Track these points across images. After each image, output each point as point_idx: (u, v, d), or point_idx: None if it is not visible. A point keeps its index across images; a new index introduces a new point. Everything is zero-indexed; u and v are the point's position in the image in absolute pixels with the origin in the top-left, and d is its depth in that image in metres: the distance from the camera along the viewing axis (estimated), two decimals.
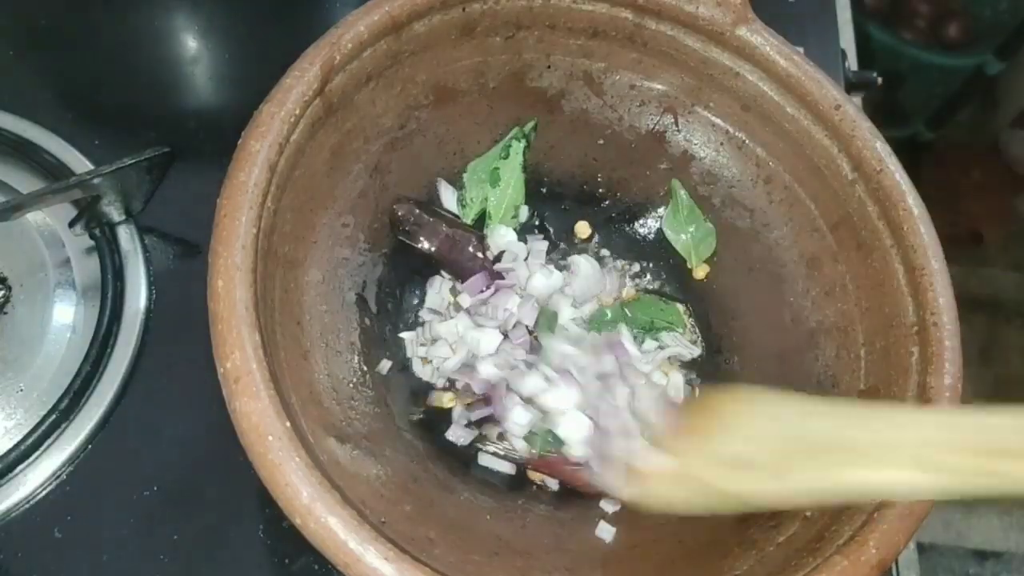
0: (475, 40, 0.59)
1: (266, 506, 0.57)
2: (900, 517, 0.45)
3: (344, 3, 0.79)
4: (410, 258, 0.62)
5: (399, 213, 0.57)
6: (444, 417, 0.59)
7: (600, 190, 0.67)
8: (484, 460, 0.57)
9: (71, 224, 0.63)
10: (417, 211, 0.58)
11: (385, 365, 0.58)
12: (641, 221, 0.67)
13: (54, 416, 0.58)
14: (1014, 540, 1.50)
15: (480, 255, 0.58)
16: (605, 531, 0.54)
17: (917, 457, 0.36)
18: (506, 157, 0.63)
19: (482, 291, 0.60)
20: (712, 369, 0.63)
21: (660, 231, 0.67)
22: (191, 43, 0.78)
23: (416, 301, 0.63)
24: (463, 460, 0.57)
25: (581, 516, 0.55)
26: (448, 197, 0.63)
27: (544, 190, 0.67)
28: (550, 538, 0.53)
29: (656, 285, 0.66)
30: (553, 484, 0.57)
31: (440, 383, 0.59)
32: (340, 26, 0.52)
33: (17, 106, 0.69)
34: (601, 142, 0.65)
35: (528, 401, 0.56)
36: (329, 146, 0.54)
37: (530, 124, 0.63)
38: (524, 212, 0.65)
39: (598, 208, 0.67)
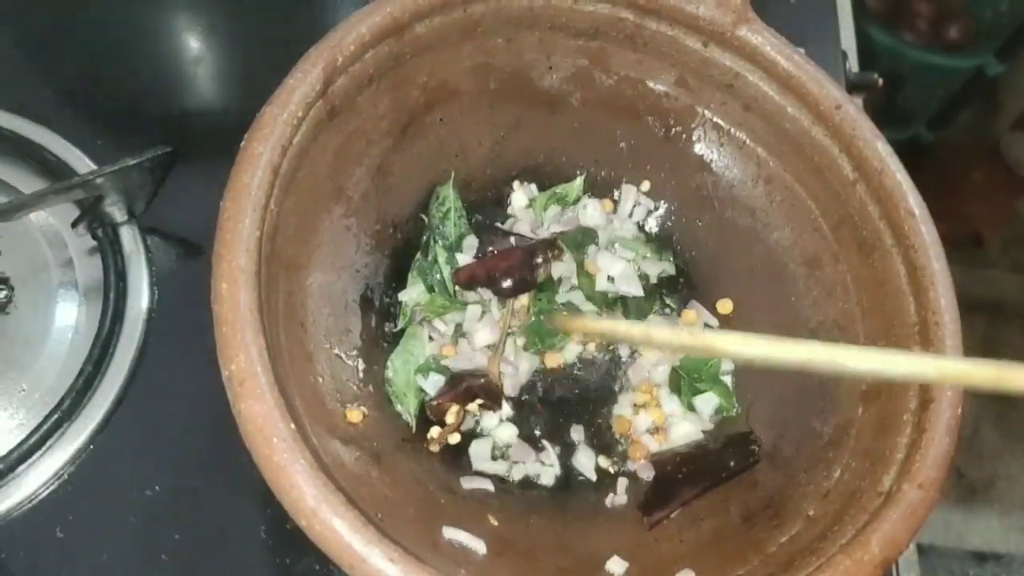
0: (476, 41, 0.59)
1: (268, 506, 0.57)
2: (902, 516, 0.45)
3: (346, 4, 0.79)
4: (412, 260, 0.62)
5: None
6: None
7: (602, 189, 0.67)
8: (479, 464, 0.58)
9: (73, 224, 0.63)
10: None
11: (388, 367, 0.58)
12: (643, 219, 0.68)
13: (56, 416, 0.58)
14: (1014, 542, 1.50)
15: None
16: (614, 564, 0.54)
17: None
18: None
19: None
20: None
21: (661, 227, 0.67)
22: (194, 43, 0.78)
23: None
24: (466, 461, 0.57)
25: (584, 517, 0.55)
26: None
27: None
28: (553, 539, 0.53)
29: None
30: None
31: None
32: (342, 27, 0.52)
33: (19, 106, 0.69)
34: (602, 143, 0.65)
35: None
36: (332, 148, 0.54)
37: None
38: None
39: None
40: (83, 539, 0.56)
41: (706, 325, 0.64)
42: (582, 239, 0.64)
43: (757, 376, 0.61)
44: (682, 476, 0.56)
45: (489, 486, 0.56)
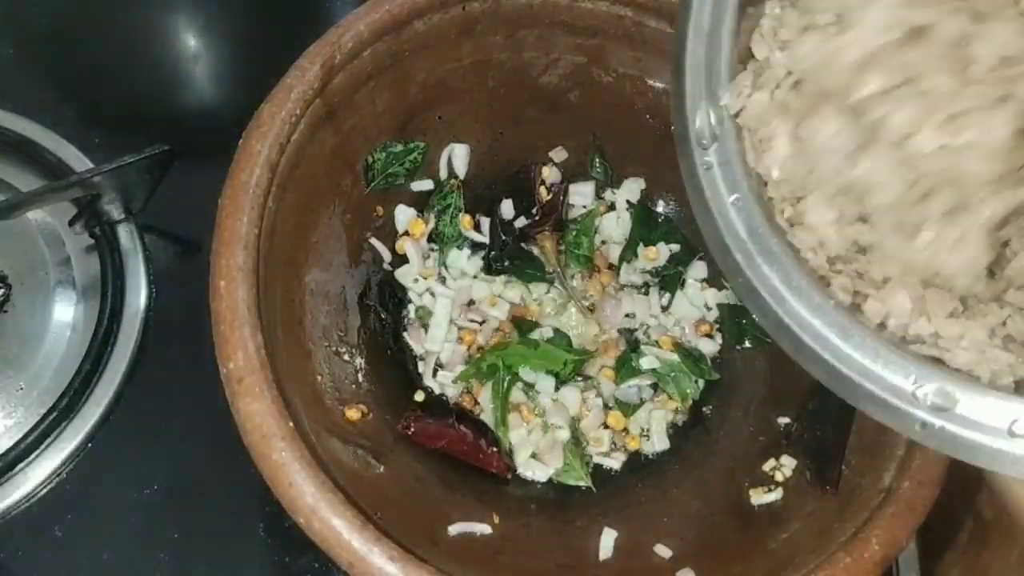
0: (475, 39, 0.59)
1: (267, 504, 0.57)
2: (902, 513, 0.45)
3: (344, 3, 0.79)
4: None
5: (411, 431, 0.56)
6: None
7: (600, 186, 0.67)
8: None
9: (71, 222, 0.63)
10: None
11: (386, 366, 0.58)
12: None
13: (54, 414, 0.58)
14: None
15: (493, 449, 0.57)
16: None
17: None
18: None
19: None
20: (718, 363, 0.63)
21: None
22: (192, 42, 0.78)
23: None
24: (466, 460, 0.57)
25: (584, 516, 0.55)
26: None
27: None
28: (553, 537, 0.53)
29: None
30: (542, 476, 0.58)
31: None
32: (341, 25, 0.52)
33: (17, 105, 0.69)
34: (603, 140, 0.65)
35: None
36: (330, 146, 0.54)
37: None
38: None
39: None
40: (82, 538, 0.56)
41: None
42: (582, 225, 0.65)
43: (752, 373, 0.61)
44: (819, 433, 0.54)
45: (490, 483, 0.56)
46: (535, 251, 0.64)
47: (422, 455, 0.55)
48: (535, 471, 0.57)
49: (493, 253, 0.62)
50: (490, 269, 0.62)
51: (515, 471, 0.57)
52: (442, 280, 0.62)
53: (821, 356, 0.37)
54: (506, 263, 0.62)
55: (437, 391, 0.60)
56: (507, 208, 0.64)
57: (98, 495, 0.58)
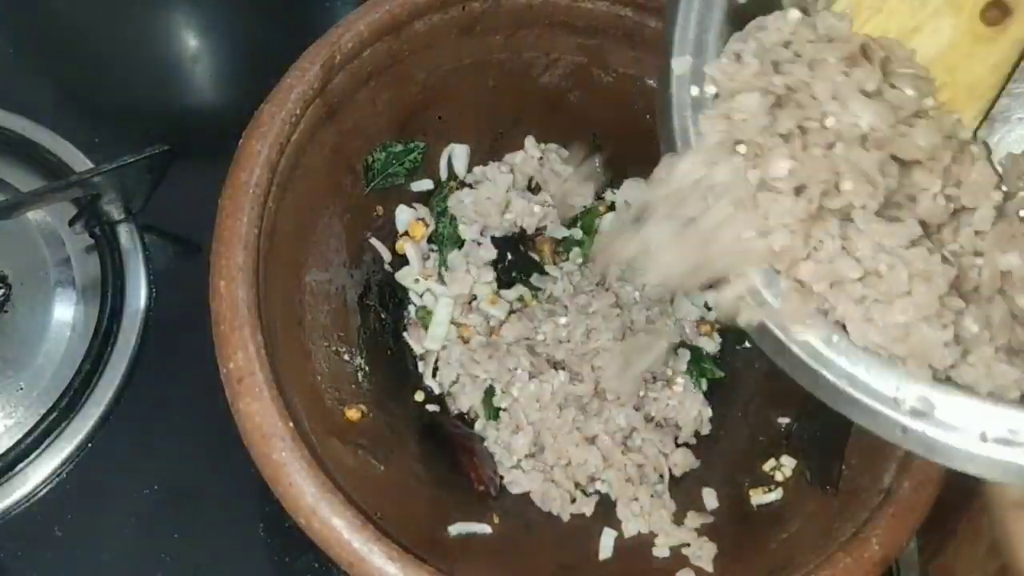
0: (475, 39, 0.59)
1: (267, 504, 0.57)
2: (902, 514, 0.45)
3: (344, 3, 0.79)
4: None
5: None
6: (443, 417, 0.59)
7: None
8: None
9: (71, 222, 0.63)
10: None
11: (386, 366, 0.58)
12: None
13: (54, 414, 0.58)
14: None
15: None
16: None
17: None
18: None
19: None
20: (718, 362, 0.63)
21: None
22: (192, 42, 0.78)
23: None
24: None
25: (583, 516, 0.55)
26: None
27: None
28: (552, 537, 0.53)
29: None
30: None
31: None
32: (341, 25, 0.52)
33: (17, 105, 0.69)
34: (603, 140, 0.65)
35: None
36: (330, 145, 0.54)
37: None
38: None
39: None
40: (82, 538, 0.56)
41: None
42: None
43: (752, 373, 0.61)
44: (819, 433, 0.54)
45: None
46: (534, 255, 0.64)
47: (422, 455, 0.55)
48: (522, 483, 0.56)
49: (501, 266, 0.62)
50: (500, 283, 0.62)
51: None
52: (442, 280, 0.62)
53: (805, 362, 0.37)
54: (513, 274, 0.62)
55: (437, 391, 0.60)
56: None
57: (98, 495, 0.58)
